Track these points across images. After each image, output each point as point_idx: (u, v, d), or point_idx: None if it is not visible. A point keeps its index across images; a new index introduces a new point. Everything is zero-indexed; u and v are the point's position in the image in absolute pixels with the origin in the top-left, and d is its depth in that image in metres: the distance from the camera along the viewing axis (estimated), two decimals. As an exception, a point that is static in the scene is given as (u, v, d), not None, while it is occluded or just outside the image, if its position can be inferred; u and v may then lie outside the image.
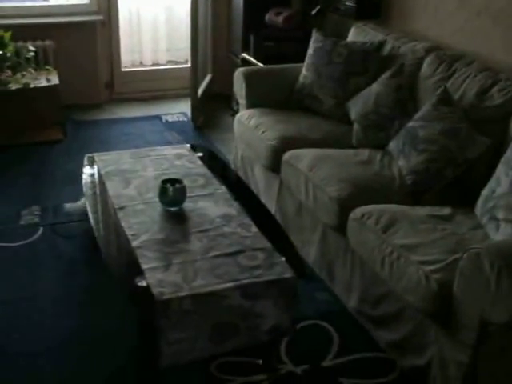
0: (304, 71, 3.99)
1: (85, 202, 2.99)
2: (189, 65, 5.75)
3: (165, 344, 2.13)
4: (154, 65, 6.40)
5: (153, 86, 6.08)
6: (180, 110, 5.67)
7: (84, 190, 3.01)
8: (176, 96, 6.00)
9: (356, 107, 3.61)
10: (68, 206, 3.89)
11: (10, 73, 4.87)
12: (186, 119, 5.49)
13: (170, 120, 5.48)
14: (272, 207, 3.51)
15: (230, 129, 4.68)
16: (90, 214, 2.77)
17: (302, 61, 4.06)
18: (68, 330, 2.75)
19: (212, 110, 5.58)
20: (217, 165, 3.21)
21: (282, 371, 2.57)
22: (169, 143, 4.66)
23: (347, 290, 2.94)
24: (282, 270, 2.23)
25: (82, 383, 2.48)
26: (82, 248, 3.41)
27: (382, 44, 3.81)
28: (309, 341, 2.74)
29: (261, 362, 2.59)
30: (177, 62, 6.50)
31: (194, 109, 5.29)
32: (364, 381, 2.52)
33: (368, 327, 2.79)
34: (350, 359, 2.64)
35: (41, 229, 3.62)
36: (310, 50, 3.98)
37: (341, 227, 2.87)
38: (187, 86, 5.49)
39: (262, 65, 4.87)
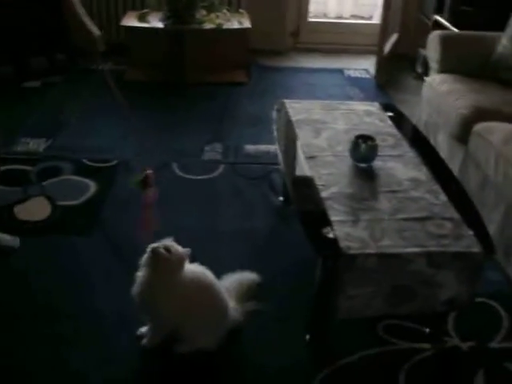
0: (504, 41, 3.81)
1: (267, 147, 3.02)
2: (373, 21, 5.69)
3: (343, 297, 2.16)
4: (337, 17, 6.35)
5: (337, 39, 6.07)
6: (362, 67, 5.62)
7: (274, 134, 3.06)
8: (358, 52, 5.96)
9: (557, 86, 3.41)
10: (249, 147, 4.00)
11: (204, 12, 5.01)
12: (368, 76, 5.43)
13: (352, 75, 5.45)
14: (454, 178, 3.42)
15: (412, 91, 4.60)
16: (280, 159, 2.82)
17: (501, 29, 3.87)
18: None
19: (395, 70, 5.48)
20: (406, 126, 3.15)
21: (448, 344, 2.53)
22: (350, 98, 4.65)
23: (524, 275, 2.83)
24: (470, 243, 2.18)
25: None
26: (261, 191, 3.51)
27: None
28: (478, 319, 2.67)
29: (428, 330, 2.57)
30: (361, 17, 6.42)
31: (378, 67, 5.22)
32: (531, 370, 2.44)
33: (540, 317, 2.68)
34: (518, 345, 2.56)
35: (222, 166, 3.75)
36: (513, 20, 3.79)
37: (529, 209, 2.75)
38: (370, 43, 5.43)
39: (455, 29, 4.69)
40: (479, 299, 2.75)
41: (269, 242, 3.04)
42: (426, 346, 2.50)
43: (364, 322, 2.56)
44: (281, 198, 3.37)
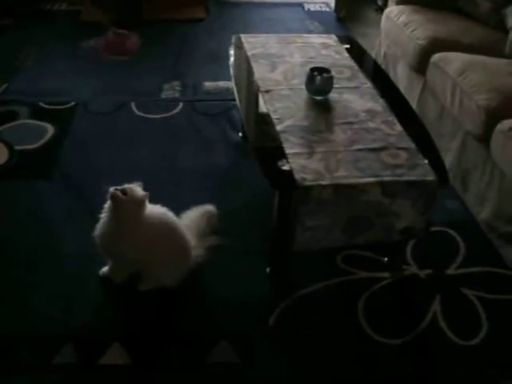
0: (462, -31, 3.78)
1: (225, 83, 3.00)
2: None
3: (301, 229, 2.17)
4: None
5: (297, -27, 5.94)
6: (323, 0, 5.54)
7: (231, 70, 3.02)
8: (319, -15, 5.85)
9: (514, 14, 3.40)
10: (207, 84, 3.96)
11: None
12: (328, 9, 5.37)
13: (312, 9, 5.38)
14: (412, 109, 3.43)
15: (372, 24, 4.56)
16: (236, 95, 2.80)
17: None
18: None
19: (355, 2, 5.42)
20: (363, 58, 3.13)
21: (406, 272, 2.59)
22: (310, 32, 4.61)
23: (480, 203, 2.88)
24: (424, 171, 2.20)
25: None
26: (220, 127, 3.49)
27: None
28: (435, 247, 2.73)
29: (386, 259, 2.61)
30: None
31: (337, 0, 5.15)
32: (486, 294, 2.49)
33: (497, 243, 2.73)
34: (474, 271, 2.62)
35: (181, 104, 3.71)
36: None
37: (484, 137, 2.78)
38: (333, -24, 5.34)
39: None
40: (437, 228, 2.80)
41: (228, 178, 3.04)
42: (385, 274, 2.55)
43: (324, 254, 2.60)
44: (240, 134, 3.36)
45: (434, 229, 2.76)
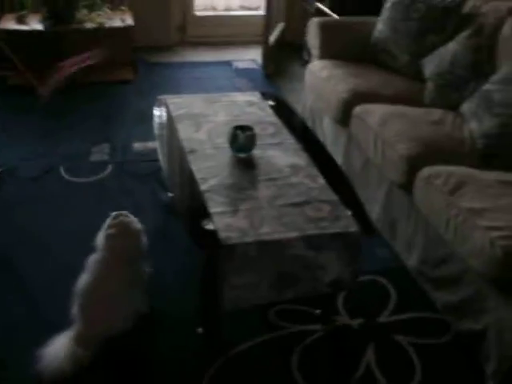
0: (380, 25, 3.92)
1: (155, 144, 3.03)
2: (261, 12, 5.71)
3: (228, 288, 2.17)
4: (226, 10, 6.36)
5: (224, 32, 6.09)
6: (251, 57, 5.67)
7: (155, 131, 3.05)
8: (247, 43, 5.99)
9: (431, 65, 3.53)
10: (137, 145, 3.97)
11: (86, 12, 4.93)
12: (256, 66, 5.48)
13: (240, 66, 5.48)
14: (338, 161, 3.45)
15: (300, 78, 4.66)
16: (160, 156, 2.82)
17: (378, 14, 3.98)
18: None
19: (283, 58, 5.56)
20: (287, 114, 3.19)
21: (338, 323, 2.61)
22: (239, 89, 4.68)
23: (408, 249, 2.94)
24: (347, 223, 2.24)
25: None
26: (149, 188, 3.49)
27: (462, 1, 3.68)
28: (366, 295, 2.77)
29: (318, 312, 2.63)
30: (249, 8, 6.46)
31: (265, 56, 5.28)
32: (418, 339, 2.53)
33: (426, 288, 2.78)
34: (405, 317, 2.66)
35: (110, 166, 3.71)
36: (388, 4, 3.90)
37: (407, 186, 2.85)
38: (259, 33, 5.47)
39: (335, 15, 4.80)
40: (368, 276, 2.85)
41: (158, 240, 3.02)
42: (318, 326, 2.57)
43: (255, 310, 2.60)
44: (170, 194, 3.36)
45: (364, 278, 2.81)
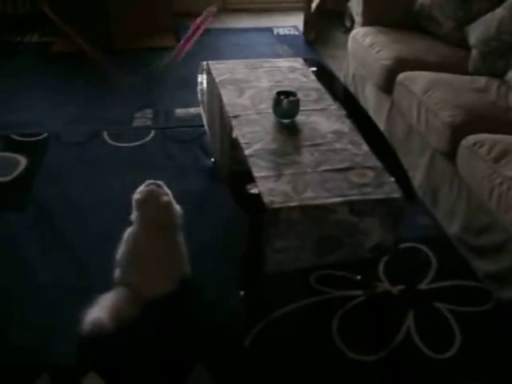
0: (424, -9, 3.86)
1: (197, 109, 3.03)
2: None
3: (271, 251, 2.20)
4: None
5: (265, -2, 6.04)
6: (292, 24, 5.62)
7: (199, 97, 3.06)
8: (288, 9, 5.95)
9: (476, 32, 3.47)
10: (179, 111, 3.99)
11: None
12: (297, 33, 5.44)
13: (281, 33, 5.45)
14: (381, 128, 3.46)
15: (342, 46, 4.63)
16: (205, 121, 2.83)
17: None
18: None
19: (324, 25, 5.50)
20: (330, 81, 3.18)
21: (379, 289, 2.62)
22: (279, 56, 4.65)
23: (450, 217, 2.92)
24: (390, 189, 2.24)
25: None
26: (193, 154, 3.52)
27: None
28: (407, 263, 2.77)
29: (359, 278, 2.65)
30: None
31: (306, 23, 5.23)
32: (458, 307, 2.53)
33: (467, 256, 2.78)
34: (446, 285, 2.66)
35: (152, 132, 3.74)
36: (433, -31, 3.83)
37: (451, 153, 2.83)
38: (300, 0, 5.42)
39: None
40: (408, 244, 2.84)
41: (202, 204, 3.06)
42: (359, 292, 2.58)
43: (297, 275, 2.62)
44: (212, 159, 3.39)
45: (405, 245, 2.81)
